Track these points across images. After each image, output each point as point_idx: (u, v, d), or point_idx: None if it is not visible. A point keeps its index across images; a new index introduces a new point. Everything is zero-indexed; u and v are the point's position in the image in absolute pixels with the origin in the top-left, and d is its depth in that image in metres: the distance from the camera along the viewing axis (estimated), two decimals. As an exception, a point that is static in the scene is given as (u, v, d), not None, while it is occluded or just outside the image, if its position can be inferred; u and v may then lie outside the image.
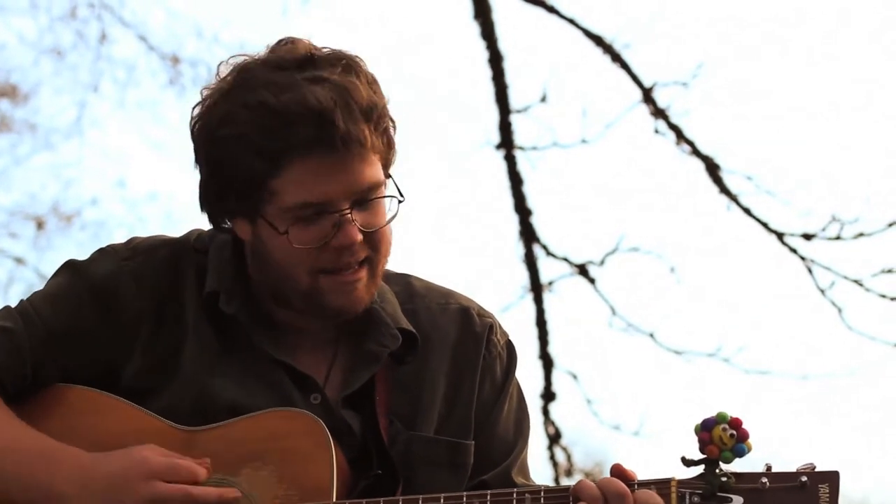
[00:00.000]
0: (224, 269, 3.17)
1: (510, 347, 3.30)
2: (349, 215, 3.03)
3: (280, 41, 3.11)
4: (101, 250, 3.23)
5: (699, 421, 2.82)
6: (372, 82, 3.07)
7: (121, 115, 12.48)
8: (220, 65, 3.13)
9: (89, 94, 11.95)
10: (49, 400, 3.15)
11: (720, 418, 2.79)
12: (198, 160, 3.13)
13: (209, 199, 3.13)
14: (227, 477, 2.99)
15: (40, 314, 3.16)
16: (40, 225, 12.93)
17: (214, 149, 3.07)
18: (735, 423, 2.78)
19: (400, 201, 3.12)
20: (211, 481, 3.00)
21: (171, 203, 13.44)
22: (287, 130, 2.99)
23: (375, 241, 3.08)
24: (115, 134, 14.21)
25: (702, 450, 2.81)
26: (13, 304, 3.23)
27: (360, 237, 3.04)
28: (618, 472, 2.90)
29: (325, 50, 3.08)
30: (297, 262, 3.05)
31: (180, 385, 3.10)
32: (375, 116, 3.05)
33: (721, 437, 2.77)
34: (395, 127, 3.12)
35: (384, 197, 3.09)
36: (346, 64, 3.05)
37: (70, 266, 3.22)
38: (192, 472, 2.99)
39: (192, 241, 3.23)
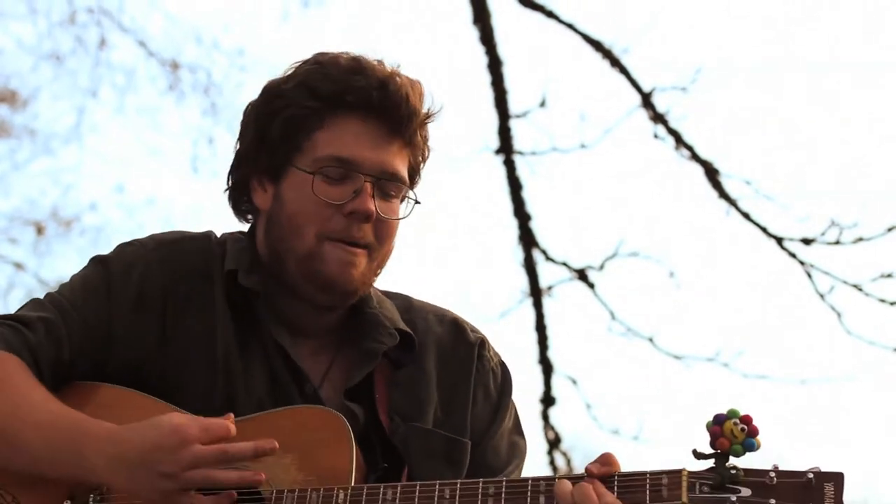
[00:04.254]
0: (241, 253, 3.23)
1: (504, 368, 3.37)
2: (370, 187, 3.12)
3: None
4: (125, 244, 3.26)
5: (711, 417, 2.85)
6: None
7: (120, 121, 12.48)
8: None
9: (88, 99, 11.98)
10: (76, 398, 3.14)
11: (732, 413, 2.83)
12: (244, 126, 3.24)
13: (244, 158, 3.22)
14: (250, 464, 3.02)
15: (75, 306, 3.18)
16: (40, 230, 12.92)
17: (272, 102, 3.19)
18: (746, 419, 2.83)
19: (417, 202, 3.22)
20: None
21: (169, 209, 13.45)
22: (349, 78, 3.15)
23: (382, 233, 3.17)
24: (115, 139, 14.20)
25: (712, 444, 2.84)
26: (12, 311, 3.22)
27: (374, 211, 3.12)
28: (605, 461, 2.93)
29: None
30: (310, 219, 3.13)
31: (212, 371, 3.15)
32: (424, 118, 3.20)
33: (732, 430, 2.82)
34: (428, 153, 3.25)
35: (402, 185, 3.19)
36: None
37: (98, 260, 3.24)
38: (223, 427, 2.99)
39: (212, 235, 3.30)
